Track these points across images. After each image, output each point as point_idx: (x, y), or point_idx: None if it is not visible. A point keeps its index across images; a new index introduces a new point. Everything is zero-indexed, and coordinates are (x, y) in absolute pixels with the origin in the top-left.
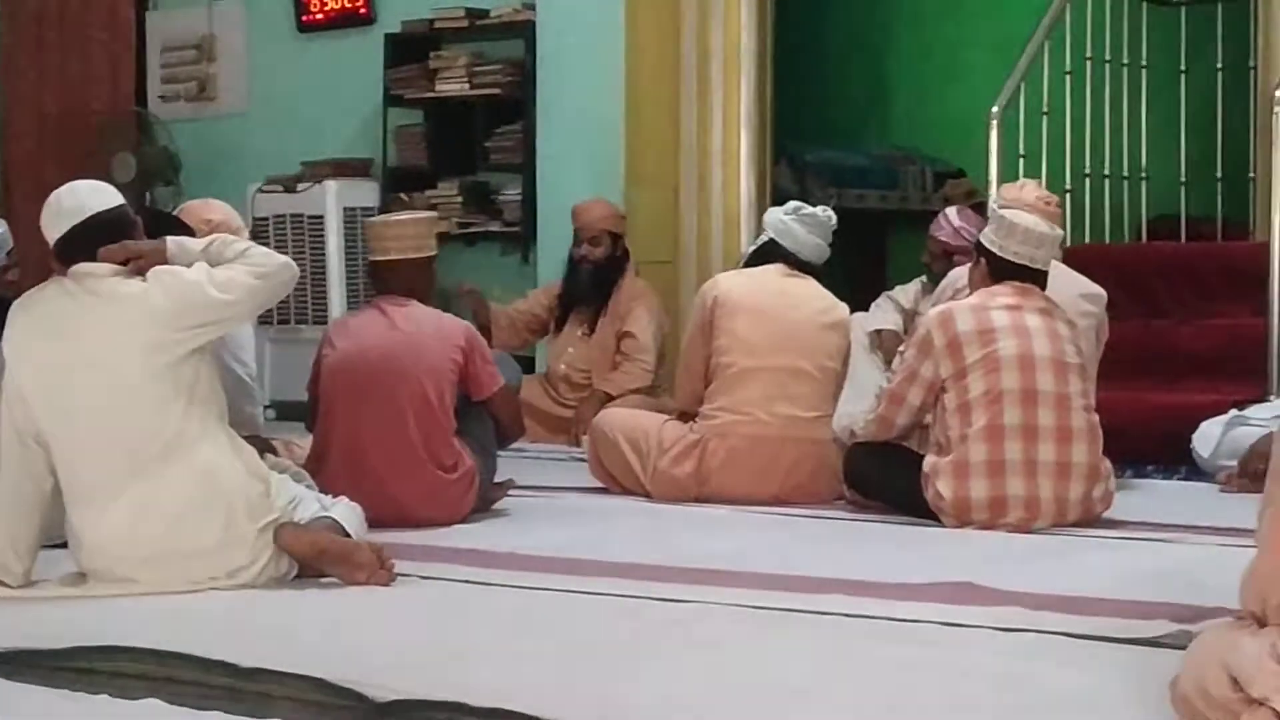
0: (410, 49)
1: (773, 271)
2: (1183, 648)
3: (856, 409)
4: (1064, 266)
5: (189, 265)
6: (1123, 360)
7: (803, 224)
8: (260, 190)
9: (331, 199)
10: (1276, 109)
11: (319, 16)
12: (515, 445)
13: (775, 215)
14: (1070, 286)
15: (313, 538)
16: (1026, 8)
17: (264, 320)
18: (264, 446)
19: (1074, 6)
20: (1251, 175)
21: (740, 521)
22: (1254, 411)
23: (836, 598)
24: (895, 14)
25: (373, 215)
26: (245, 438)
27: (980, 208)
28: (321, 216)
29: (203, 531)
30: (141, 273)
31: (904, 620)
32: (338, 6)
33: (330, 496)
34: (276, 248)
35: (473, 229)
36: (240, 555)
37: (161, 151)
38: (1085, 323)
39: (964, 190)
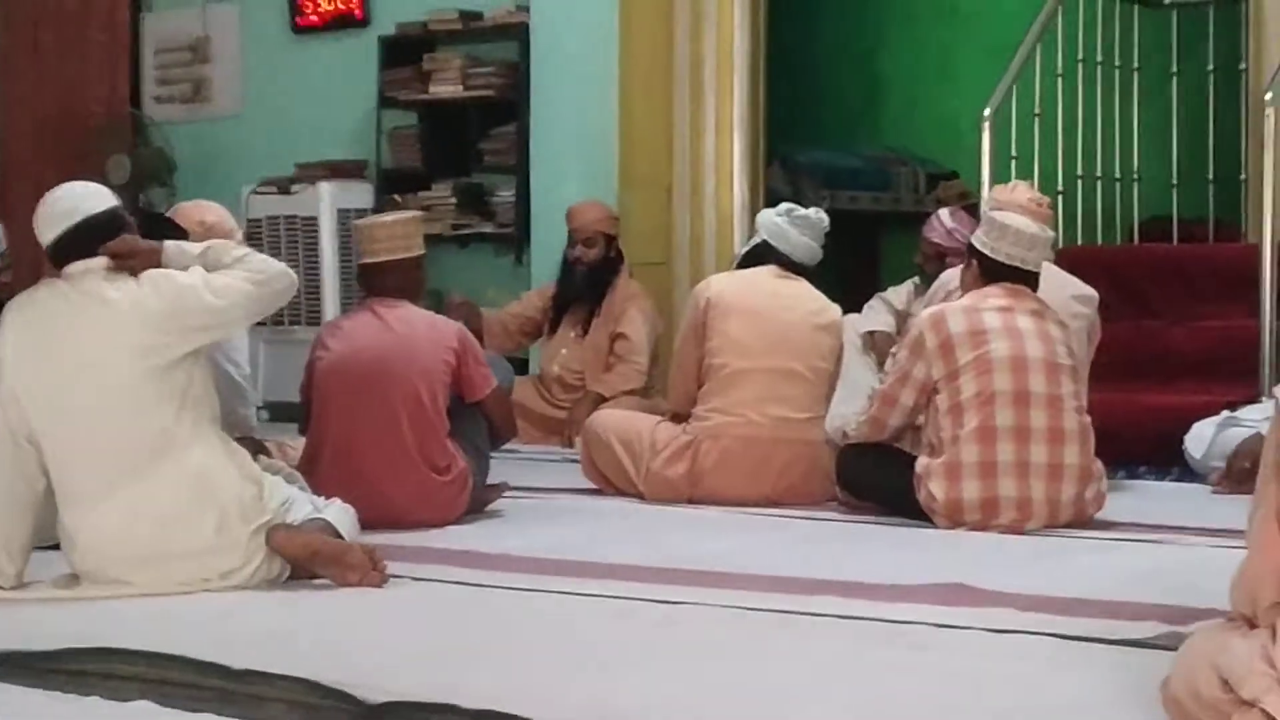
0: (404, 51)
1: (765, 273)
2: (1174, 649)
3: (849, 410)
4: (1056, 268)
5: (185, 269)
6: (1115, 361)
7: (795, 226)
8: (254, 192)
9: (325, 201)
10: (1268, 111)
11: (313, 18)
12: (508, 446)
13: (768, 217)
14: (1062, 288)
15: (305, 539)
16: (1018, 10)
17: (258, 322)
18: (257, 448)
19: (1066, 8)
20: (1243, 177)
21: (733, 523)
22: (1246, 413)
23: (828, 599)
24: (888, 16)
25: (367, 217)
26: (238, 439)
27: (973, 209)
28: (315, 218)
29: (195, 533)
30: (134, 272)
31: (896, 621)
32: (332, 9)
33: (323, 498)
34: (270, 249)
35: (466, 231)
36: (233, 557)
37: (156, 153)
38: (1077, 324)
39: (956, 192)
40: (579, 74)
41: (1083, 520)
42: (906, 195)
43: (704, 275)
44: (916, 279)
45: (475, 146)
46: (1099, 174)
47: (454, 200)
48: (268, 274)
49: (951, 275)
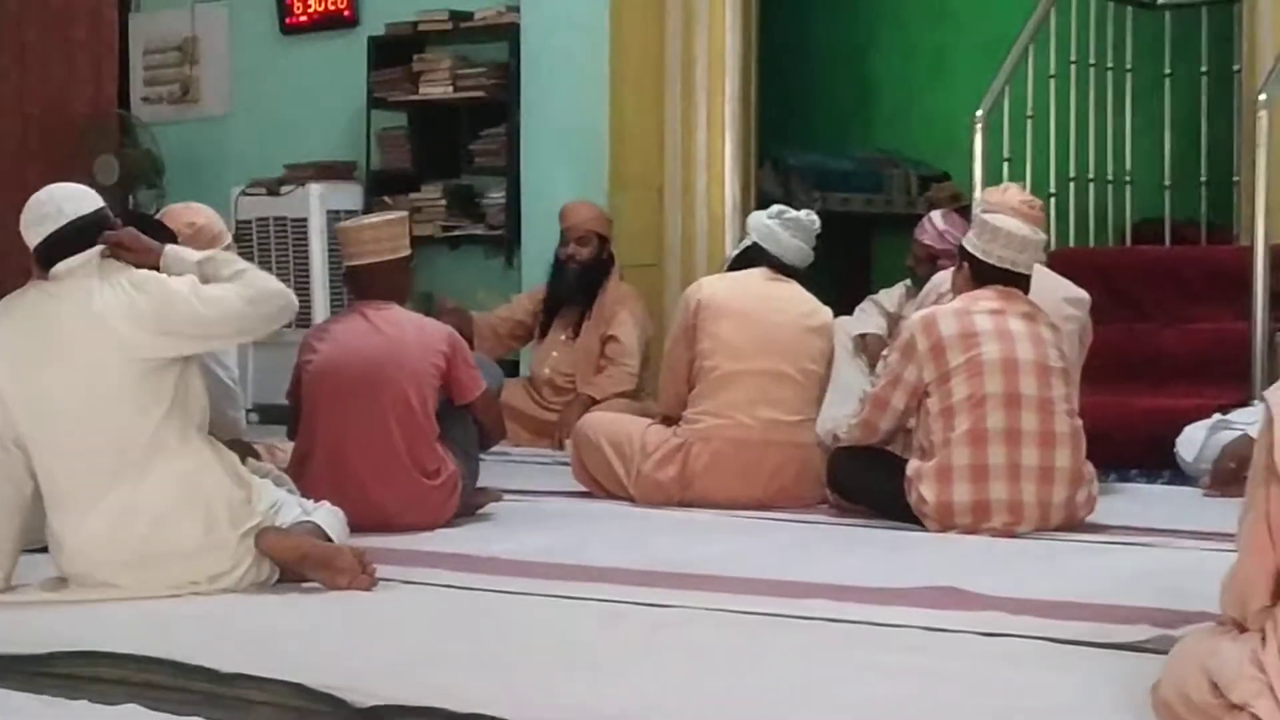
0: (394, 51)
1: (756, 275)
2: (1164, 652)
3: (840, 413)
4: (1048, 270)
5: (181, 275)
6: (1106, 364)
7: (786, 228)
8: (243, 193)
9: (314, 202)
10: (1260, 113)
11: (302, 19)
12: (499, 449)
13: (759, 219)
14: (1054, 290)
15: (294, 542)
16: (1011, 11)
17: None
18: (246, 451)
19: (1058, 10)
20: (1235, 179)
21: (723, 525)
22: (1237, 415)
23: (819, 602)
24: (879, 17)
25: (352, 219)
26: (227, 442)
27: (965, 211)
28: (304, 219)
29: (183, 536)
30: (134, 264)
31: (887, 625)
32: (321, 9)
33: (312, 501)
34: (259, 251)
35: (456, 232)
36: (221, 560)
37: (144, 154)
38: (1069, 326)
39: (948, 194)
40: (569, 75)
41: (1074, 523)
42: (898, 197)
43: (695, 277)
44: (908, 281)
45: (465, 148)
46: (1091, 176)
47: (444, 202)
48: (263, 294)
49: (943, 277)
